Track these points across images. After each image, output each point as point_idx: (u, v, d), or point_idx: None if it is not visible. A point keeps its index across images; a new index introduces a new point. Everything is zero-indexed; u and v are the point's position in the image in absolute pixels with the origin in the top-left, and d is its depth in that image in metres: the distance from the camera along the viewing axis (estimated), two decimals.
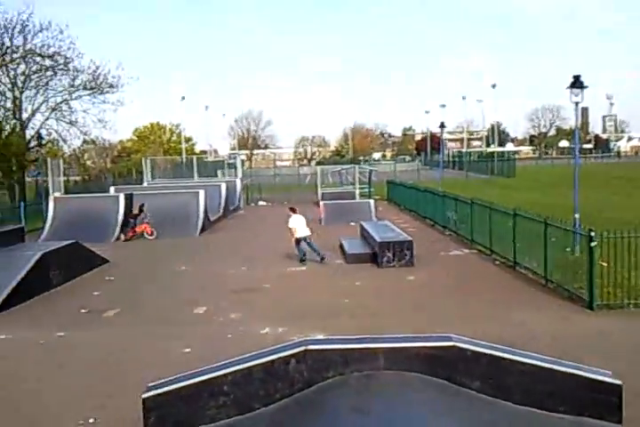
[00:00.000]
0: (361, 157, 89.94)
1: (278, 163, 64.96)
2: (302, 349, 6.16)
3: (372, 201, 26.14)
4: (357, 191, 32.04)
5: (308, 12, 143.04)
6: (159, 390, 5.98)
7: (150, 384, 6.09)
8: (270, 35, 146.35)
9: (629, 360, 7.54)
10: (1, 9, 29.81)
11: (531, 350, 6.27)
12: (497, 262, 14.38)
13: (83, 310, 11.18)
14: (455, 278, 13.01)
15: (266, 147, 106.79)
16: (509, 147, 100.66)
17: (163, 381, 6.12)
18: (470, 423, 5.43)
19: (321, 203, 26.43)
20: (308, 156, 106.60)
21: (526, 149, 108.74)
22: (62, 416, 6.56)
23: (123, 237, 20.99)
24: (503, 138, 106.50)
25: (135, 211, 21.86)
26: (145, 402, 5.88)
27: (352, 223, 21.07)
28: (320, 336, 8.32)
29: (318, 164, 71.22)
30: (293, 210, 15.87)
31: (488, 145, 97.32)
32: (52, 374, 7.95)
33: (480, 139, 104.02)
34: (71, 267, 13.92)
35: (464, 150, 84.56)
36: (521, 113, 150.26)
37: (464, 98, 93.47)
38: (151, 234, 21.07)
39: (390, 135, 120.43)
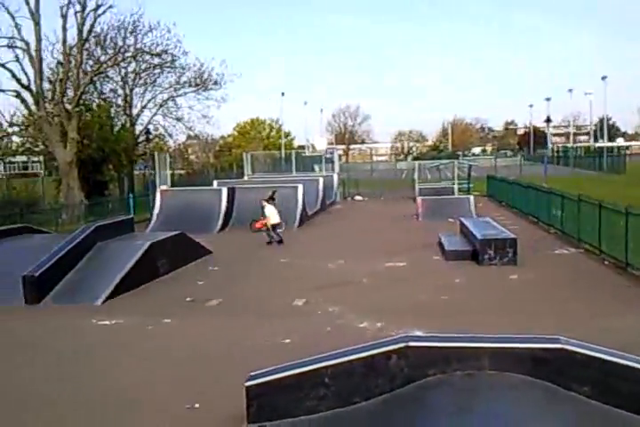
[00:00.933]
0: (459, 152, 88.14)
1: (375, 158, 64.82)
2: (403, 345, 6.11)
3: (471, 197, 25.56)
4: (456, 187, 31.43)
5: (403, 6, 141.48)
6: (261, 380, 6.11)
7: (253, 373, 6.24)
8: (368, 30, 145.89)
9: None
10: (115, 11, 31.16)
11: None
12: (606, 263, 13.68)
13: (187, 299, 11.60)
14: (561, 278, 12.49)
15: (362, 142, 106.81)
16: (620, 142, 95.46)
17: (265, 370, 6.25)
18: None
19: (418, 198, 26.12)
20: (405, 150, 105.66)
21: (638, 144, 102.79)
22: (169, 401, 6.82)
23: (253, 226, 20.23)
24: (613, 132, 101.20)
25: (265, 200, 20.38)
26: (248, 390, 6.03)
27: (450, 220, 20.68)
28: (418, 333, 8.21)
29: (415, 159, 70.49)
30: (268, 200, 18.35)
31: (596, 140, 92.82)
32: (158, 358, 8.28)
33: (587, 133, 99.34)
34: (177, 257, 14.47)
35: (570, 145, 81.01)
36: (632, 106, 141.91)
37: (570, 91, 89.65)
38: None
39: (491, 129, 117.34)
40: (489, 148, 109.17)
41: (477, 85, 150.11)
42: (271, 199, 20.12)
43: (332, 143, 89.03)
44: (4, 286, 11.89)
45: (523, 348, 5.88)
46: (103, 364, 8.14)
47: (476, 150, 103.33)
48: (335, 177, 34.20)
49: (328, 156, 40.25)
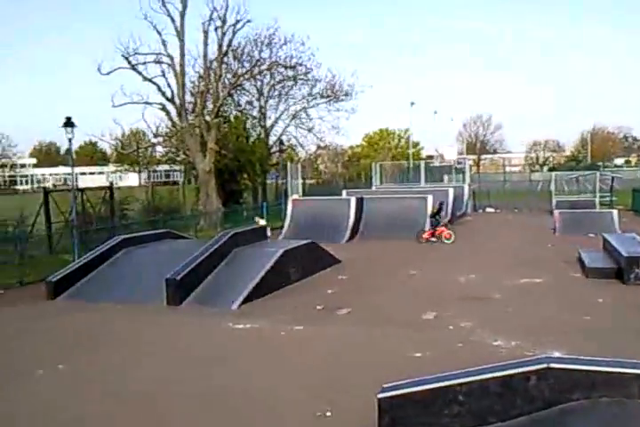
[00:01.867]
0: (600, 163, 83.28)
1: (507, 168, 62.67)
2: (544, 366, 5.83)
3: (614, 211, 24.02)
4: (597, 200, 29.71)
5: (540, 9, 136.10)
6: (394, 392, 6.06)
7: (385, 385, 6.20)
8: (502, 36, 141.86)
9: None
10: (252, 25, 32.44)
11: None
12: None
13: (318, 307, 11.78)
14: None
15: (494, 151, 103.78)
16: None
17: (398, 383, 6.20)
18: None
19: (555, 211, 24.94)
20: (541, 161, 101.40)
21: None
22: (300, 407, 6.93)
23: (420, 238, 20.52)
24: None
25: (434, 210, 21.55)
26: (380, 402, 6.01)
27: (591, 235, 19.58)
28: (557, 354, 7.81)
29: (551, 169, 67.42)
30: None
31: None
32: (288, 363, 8.47)
33: None
34: (308, 264, 14.77)
35: None
36: None
37: None
38: (449, 238, 20.42)
39: (635, 139, 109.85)
40: (633, 159, 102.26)
41: (620, 91, 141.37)
42: (439, 211, 20.79)
43: (461, 153, 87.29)
44: (149, 287, 12.71)
45: None
46: (238, 367, 8.43)
47: (619, 161, 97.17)
48: (466, 188, 33.47)
49: (458, 166, 39.50)
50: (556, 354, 7.78)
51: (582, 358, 6.25)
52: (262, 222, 18.51)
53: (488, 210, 34.20)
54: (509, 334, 9.38)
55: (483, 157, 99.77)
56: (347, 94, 38.64)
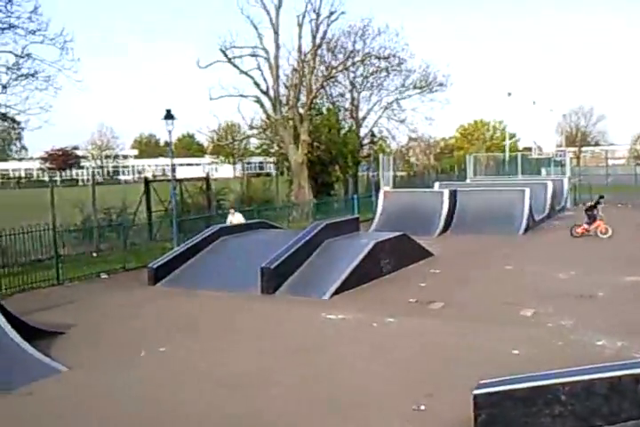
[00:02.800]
0: None
1: (610, 161, 59.66)
2: None
3: None
4: None
5: None
6: (491, 389, 5.91)
7: (482, 382, 6.05)
8: (602, 27, 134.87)
9: None
10: (346, 17, 32.40)
11: None
12: None
13: (410, 300, 11.67)
14: None
15: (596, 144, 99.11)
16: None
17: (495, 380, 6.03)
18: None
19: None
20: None
21: None
22: (395, 400, 6.88)
23: (574, 232, 20.00)
24: None
25: (591, 203, 20.97)
26: (476, 399, 5.87)
27: None
28: None
29: None
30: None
31: None
32: (382, 355, 8.43)
33: None
34: (399, 257, 14.64)
35: None
36: None
37: None
38: (605, 232, 19.62)
39: None
40: None
41: None
42: (597, 204, 20.18)
43: (560, 145, 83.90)
44: (244, 275, 13.01)
45: None
46: (332, 356, 8.49)
47: None
48: (565, 181, 32.12)
49: (557, 158, 37.98)
50: None
51: None
52: (238, 216, 17.38)
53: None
54: (614, 334, 8.94)
55: (583, 149, 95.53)
56: (441, 85, 37.99)
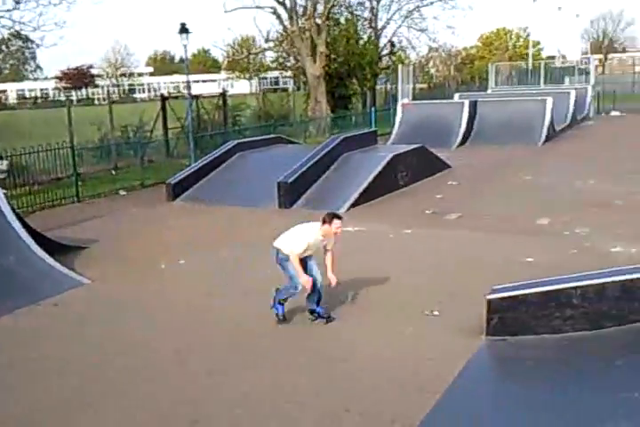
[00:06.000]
0: None
1: (638, 68, 57.34)
2: None
3: None
4: None
5: None
6: (504, 294, 6.03)
7: (495, 287, 6.17)
8: None
9: None
10: None
11: None
12: None
13: (427, 211, 11.72)
14: None
15: (624, 50, 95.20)
16: None
17: (508, 285, 6.15)
18: None
19: None
20: None
21: None
22: (409, 306, 7.04)
23: None
24: None
25: None
26: (489, 303, 6.00)
27: None
28: None
29: None
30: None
31: None
32: (399, 265, 8.54)
33: None
34: (417, 170, 14.57)
35: None
36: None
37: None
38: None
39: None
40: None
41: None
42: None
43: (586, 53, 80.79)
44: (261, 190, 13.09)
45: None
46: (348, 267, 8.64)
47: None
48: (589, 89, 31.19)
49: (582, 66, 36.68)
50: None
51: None
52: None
53: (613, 113, 31.86)
54: (630, 242, 8.97)
55: (610, 56, 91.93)
56: None
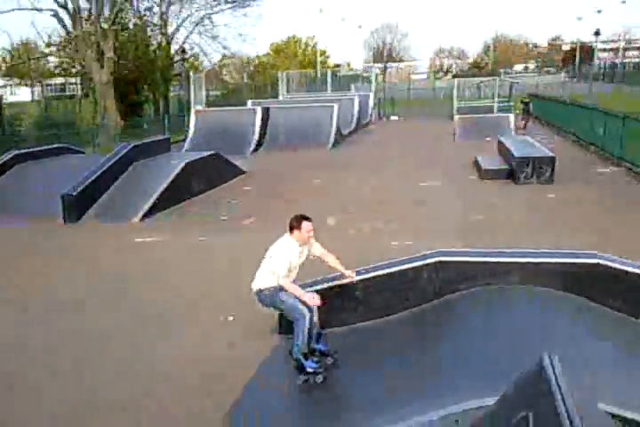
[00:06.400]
0: (501, 70, 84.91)
1: (414, 76, 62.87)
2: (435, 260, 6.14)
3: (511, 115, 24.81)
4: (496, 105, 30.50)
5: None
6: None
7: None
8: None
9: None
10: None
11: None
12: None
13: (222, 218, 11.76)
14: (598, 196, 12.25)
15: (401, 60, 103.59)
16: None
17: (298, 284, 6.35)
18: (606, 341, 5.21)
19: (456, 117, 25.49)
20: (445, 68, 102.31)
21: None
22: (205, 312, 7.02)
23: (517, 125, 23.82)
24: None
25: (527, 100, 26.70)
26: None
27: (488, 139, 20.20)
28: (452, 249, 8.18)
29: (455, 76, 68.21)
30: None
31: None
32: (195, 273, 8.49)
33: (639, 48, 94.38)
34: (212, 176, 14.56)
35: (619, 61, 77.18)
36: None
37: (624, 1, 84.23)
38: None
39: (535, 46, 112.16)
40: (532, 65, 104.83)
41: None
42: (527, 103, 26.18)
43: (368, 61, 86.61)
44: (46, 204, 12.20)
45: (557, 263, 5.85)
46: (141, 280, 8.40)
47: (519, 68, 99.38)
48: (371, 96, 33.46)
49: (365, 74, 39.26)
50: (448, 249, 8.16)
51: (470, 250, 6.61)
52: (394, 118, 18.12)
53: (392, 118, 34.52)
54: (408, 235, 9.73)
55: (390, 65, 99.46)
56: None
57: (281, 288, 5.38)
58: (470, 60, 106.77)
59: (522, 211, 11.38)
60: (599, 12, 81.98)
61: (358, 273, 6.20)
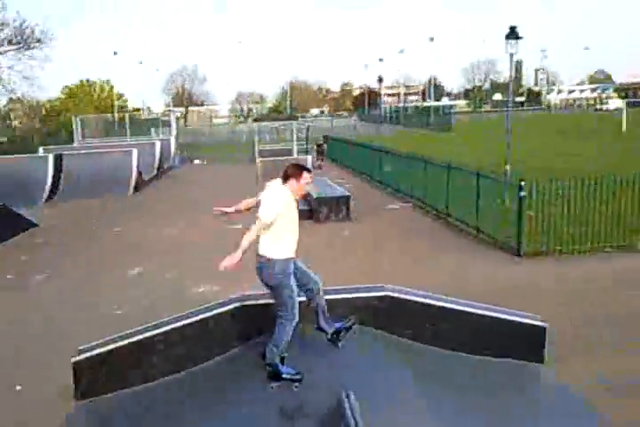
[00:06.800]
0: (299, 114, 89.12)
1: (215, 120, 63.57)
2: (236, 305, 6.17)
3: (309, 157, 25.98)
4: (295, 148, 31.77)
5: None
6: (90, 353, 5.87)
7: (81, 347, 5.96)
8: None
9: (553, 302, 7.86)
10: None
11: (462, 297, 6.43)
12: (431, 215, 14.63)
13: (9, 276, 10.81)
14: (390, 230, 13.22)
15: (202, 103, 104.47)
16: (445, 101, 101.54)
17: (94, 343, 5.99)
18: (401, 370, 5.53)
19: (258, 160, 26.12)
20: (245, 112, 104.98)
21: (462, 103, 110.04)
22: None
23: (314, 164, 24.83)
24: (439, 92, 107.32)
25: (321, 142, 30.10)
26: (75, 367, 5.77)
27: None
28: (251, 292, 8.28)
29: (256, 120, 70.19)
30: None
31: (424, 99, 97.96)
32: None
33: (417, 93, 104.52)
34: None
35: (401, 105, 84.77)
36: (457, 67, 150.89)
37: (402, 51, 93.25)
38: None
39: (329, 91, 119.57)
40: (326, 109, 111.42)
41: (316, 46, 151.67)
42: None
43: (169, 105, 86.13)
44: None
45: (349, 298, 6.16)
46: None
47: (315, 111, 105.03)
48: (172, 140, 33.21)
49: (165, 118, 38.94)
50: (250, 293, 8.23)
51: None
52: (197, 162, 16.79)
53: (196, 162, 34.45)
54: (212, 280, 9.64)
55: (191, 109, 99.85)
56: (39, 41, 35.23)
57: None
58: (269, 105, 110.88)
59: (320, 247, 11.86)
60: (381, 60, 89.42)
61: (158, 326, 6.01)
